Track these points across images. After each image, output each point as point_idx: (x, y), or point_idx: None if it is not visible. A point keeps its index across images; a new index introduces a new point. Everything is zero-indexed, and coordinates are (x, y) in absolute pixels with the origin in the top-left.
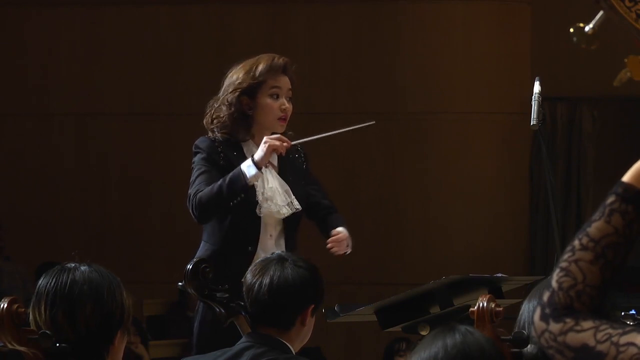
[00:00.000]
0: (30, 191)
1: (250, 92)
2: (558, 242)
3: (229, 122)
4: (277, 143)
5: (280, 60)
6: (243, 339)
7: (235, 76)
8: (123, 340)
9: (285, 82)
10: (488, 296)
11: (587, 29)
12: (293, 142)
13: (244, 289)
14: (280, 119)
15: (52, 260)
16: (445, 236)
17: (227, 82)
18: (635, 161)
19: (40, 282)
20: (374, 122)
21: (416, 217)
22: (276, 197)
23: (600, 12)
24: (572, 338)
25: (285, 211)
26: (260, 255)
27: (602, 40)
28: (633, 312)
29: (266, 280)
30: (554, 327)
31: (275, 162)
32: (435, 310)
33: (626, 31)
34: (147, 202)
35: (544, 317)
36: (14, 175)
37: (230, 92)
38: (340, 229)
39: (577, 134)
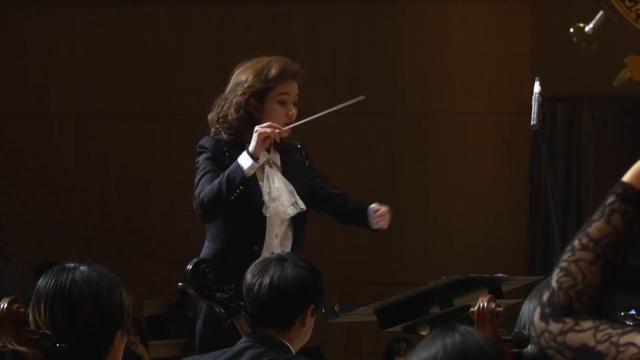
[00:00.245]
0: (30, 191)
1: (259, 95)
2: (558, 242)
3: (236, 124)
4: (268, 130)
5: (292, 67)
6: (243, 339)
7: (244, 77)
8: (123, 340)
9: (294, 88)
10: (488, 296)
11: (587, 29)
12: (285, 128)
13: (244, 289)
14: (285, 123)
15: (52, 260)
16: (445, 236)
17: (234, 80)
18: (635, 161)
19: (39, 282)
20: (363, 96)
21: (416, 217)
22: (282, 196)
23: (600, 12)
24: (572, 338)
25: (291, 211)
26: (265, 255)
27: (602, 40)
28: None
29: (266, 280)
30: (554, 327)
31: (279, 163)
32: (435, 310)
33: (626, 31)
34: (147, 202)
35: (543, 317)
36: (14, 175)
37: (240, 95)
38: (375, 204)
39: (577, 134)
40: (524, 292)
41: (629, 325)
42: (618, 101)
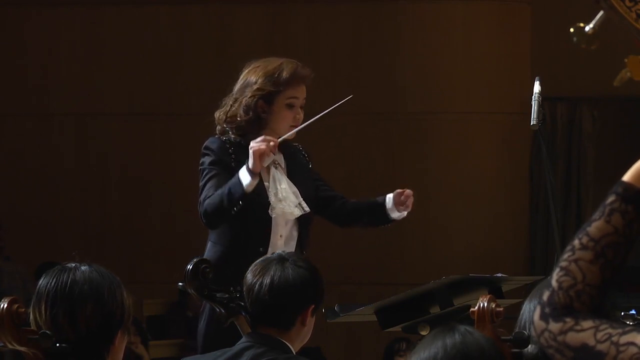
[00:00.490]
0: (30, 191)
1: (267, 97)
2: (558, 242)
3: (244, 124)
4: (263, 147)
5: (303, 71)
6: (243, 339)
7: (254, 78)
8: (123, 341)
9: (303, 92)
10: (488, 296)
11: (587, 29)
12: (279, 139)
13: (244, 289)
14: (292, 126)
15: (52, 260)
16: (445, 236)
17: (243, 80)
18: (635, 161)
19: (40, 282)
20: (352, 96)
21: (416, 217)
22: (289, 198)
23: (600, 12)
24: (572, 338)
25: (297, 212)
26: None
27: (602, 40)
28: (633, 312)
29: (267, 280)
30: (554, 326)
31: (283, 164)
32: (435, 310)
33: (626, 31)
34: (147, 202)
35: (543, 317)
36: (14, 175)
37: (250, 97)
38: (392, 194)
39: (577, 134)
40: (524, 292)
41: (629, 325)
42: (618, 101)
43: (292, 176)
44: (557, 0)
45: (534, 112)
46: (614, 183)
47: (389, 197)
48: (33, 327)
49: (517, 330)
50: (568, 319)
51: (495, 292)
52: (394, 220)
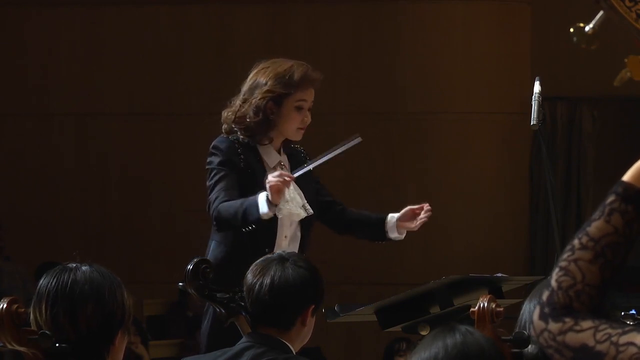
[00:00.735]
0: (30, 191)
1: (277, 99)
2: (558, 242)
3: (253, 126)
4: (280, 184)
5: (314, 74)
6: (243, 339)
7: (263, 79)
8: (124, 341)
9: (312, 95)
10: (488, 296)
11: (587, 29)
12: (295, 175)
13: (244, 289)
14: (299, 128)
15: (52, 260)
16: (445, 236)
17: (253, 81)
18: (635, 161)
19: (41, 282)
20: (360, 138)
21: None
22: (296, 199)
23: (600, 12)
24: (572, 338)
25: (303, 214)
26: None
27: (602, 40)
28: (633, 312)
29: (267, 280)
30: (553, 326)
31: (288, 166)
32: (435, 310)
33: (626, 31)
34: (147, 202)
35: (543, 317)
36: (14, 175)
37: (260, 99)
38: (394, 215)
39: (577, 134)
40: (524, 292)
41: (628, 325)
42: (618, 101)
43: (297, 180)
44: (557, 0)
45: (534, 112)
46: (614, 183)
47: (392, 216)
48: (33, 327)
49: (517, 330)
50: (567, 319)
51: (495, 292)
52: (390, 240)
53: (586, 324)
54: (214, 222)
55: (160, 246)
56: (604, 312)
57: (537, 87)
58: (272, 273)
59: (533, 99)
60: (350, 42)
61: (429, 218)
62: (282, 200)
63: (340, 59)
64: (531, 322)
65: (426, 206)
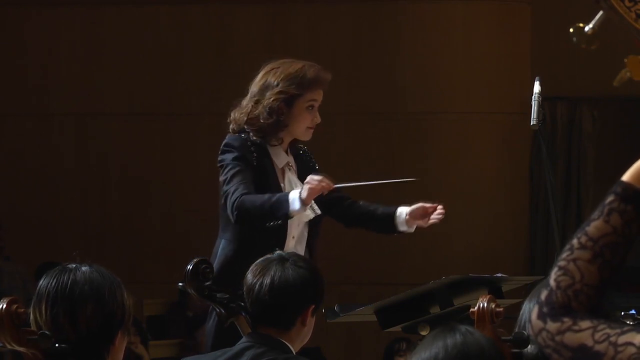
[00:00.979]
0: (30, 191)
1: (288, 100)
2: (558, 242)
3: (266, 127)
4: (320, 187)
5: (325, 75)
6: (243, 339)
7: (274, 80)
8: (124, 341)
9: (321, 95)
10: (488, 296)
11: (587, 29)
12: (336, 185)
13: (244, 289)
14: (309, 127)
15: (52, 260)
16: (445, 236)
17: (262, 82)
18: (635, 161)
19: (41, 282)
20: (416, 179)
21: None
22: None
23: (600, 12)
24: (570, 338)
25: (310, 214)
26: None
27: (602, 40)
28: (633, 312)
29: (267, 280)
30: (552, 326)
31: (295, 168)
32: (435, 310)
33: (626, 31)
34: (147, 202)
35: (541, 316)
36: (14, 175)
37: (273, 100)
38: (404, 209)
39: (577, 134)
40: (524, 292)
41: (627, 324)
42: (618, 101)
43: (301, 178)
44: (557, 0)
45: (534, 112)
46: (614, 183)
47: (401, 212)
48: (33, 327)
49: (517, 330)
50: (566, 319)
51: (495, 292)
52: (401, 232)
53: (585, 323)
54: (235, 212)
55: (160, 246)
56: (603, 312)
57: (537, 87)
58: (272, 273)
59: (533, 99)
60: (350, 42)
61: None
62: None
63: (340, 59)
64: (529, 321)
65: (440, 207)
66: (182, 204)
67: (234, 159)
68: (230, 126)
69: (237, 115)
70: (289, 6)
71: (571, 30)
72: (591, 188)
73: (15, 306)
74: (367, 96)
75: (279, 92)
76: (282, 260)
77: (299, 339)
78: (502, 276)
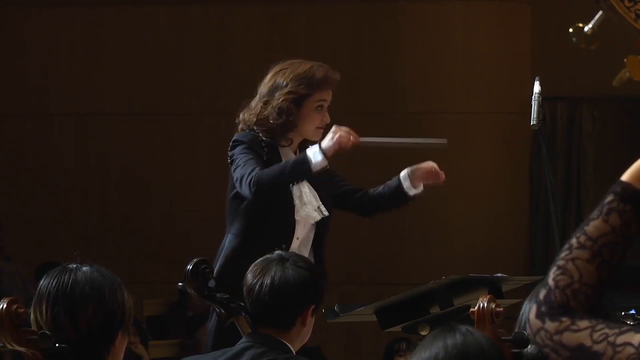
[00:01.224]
0: (30, 191)
1: (297, 100)
2: (558, 242)
3: (276, 128)
4: (346, 139)
5: (334, 75)
6: (243, 339)
7: (283, 81)
8: (124, 341)
9: (330, 95)
10: (488, 296)
11: (586, 29)
12: (361, 140)
13: (244, 289)
14: (318, 127)
15: (52, 260)
16: (445, 236)
17: (272, 83)
18: (635, 161)
19: (42, 282)
20: (445, 142)
21: (416, 217)
22: (313, 201)
23: (600, 12)
24: (568, 337)
25: (317, 216)
26: None
27: (602, 40)
28: (633, 311)
29: (267, 280)
30: (550, 325)
31: None
32: (435, 310)
33: (626, 31)
34: (147, 202)
35: (539, 315)
36: (14, 175)
37: (282, 100)
38: (404, 173)
39: (577, 134)
40: (524, 292)
41: (625, 324)
42: (618, 101)
43: (311, 179)
44: (557, 0)
45: (534, 112)
46: (614, 183)
47: (403, 175)
48: (34, 327)
49: (517, 330)
50: (564, 319)
51: (495, 292)
52: (414, 198)
53: (583, 323)
54: (254, 188)
55: (160, 246)
56: (602, 312)
57: (537, 87)
58: (272, 273)
59: (533, 99)
60: (350, 42)
61: (429, 218)
62: (300, 203)
63: (340, 59)
64: (528, 320)
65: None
66: (182, 204)
67: (243, 148)
68: (240, 126)
69: (247, 116)
70: (289, 6)
71: (571, 30)
72: (591, 188)
73: (15, 306)
74: (367, 96)
75: (288, 93)
76: (282, 260)
77: (299, 339)
78: (502, 276)
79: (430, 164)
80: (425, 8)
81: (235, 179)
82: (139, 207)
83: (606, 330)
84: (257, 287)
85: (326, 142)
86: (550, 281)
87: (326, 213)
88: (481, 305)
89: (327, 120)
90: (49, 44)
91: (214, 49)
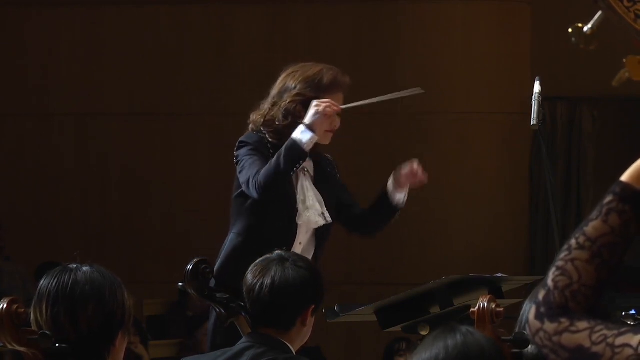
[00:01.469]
0: (30, 191)
1: (305, 103)
2: (558, 242)
3: (282, 129)
4: (329, 108)
5: (343, 79)
6: (243, 339)
7: (292, 83)
8: (124, 342)
9: (340, 100)
10: (489, 297)
11: (585, 29)
12: (342, 107)
13: (244, 289)
14: (327, 131)
15: (52, 260)
16: (445, 236)
17: (282, 85)
18: (635, 161)
19: (42, 282)
20: (421, 90)
21: (416, 217)
22: (316, 206)
23: (599, 13)
24: (568, 339)
25: (321, 221)
26: None
27: (601, 40)
28: (633, 312)
29: (267, 280)
30: (549, 326)
31: (312, 172)
32: (435, 310)
33: (625, 31)
34: (147, 202)
35: (539, 316)
36: (14, 175)
37: (289, 102)
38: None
39: (577, 134)
40: (524, 292)
41: (624, 326)
42: (618, 101)
43: (318, 184)
44: (557, 0)
45: (534, 112)
46: (613, 183)
47: (389, 184)
48: (34, 327)
49: (517, 330)
50: (563, 320)
51: (495, 292)
52: (399, 210)
53: (582, 324)
54: (259, 191)
55: (160, 246)
56: (601, 313)
57: (537, 87)
58: (273, 273)
59: (533, 99)
60: (350, 42)
61: (429, 218)
62: (302, 207)
63: (340, 59)
64: (527, 321)
65: (414, 168)
66: (182, 204)
67: (249, 149)
68: (250, 127)
69: (255, 117)
70: (289, 6)
71: (570, 30)
72: (591, 188)
73: (15, 306)
74: (367, 96)
75: (296, 95)
76: (282, 260)
77: (299, 339)
78: (502, 276)
79: (412, 165)
80: (425, 8)
81: (241, 182)
82: (139, 207)
83: (605, 332)
84: (257, 287)
85: (309, 117)
86: (550, 282)
87: (330, 219)
88: (481, 305)
89: (337, 125)
90: (49, 44)
91: (214, 49)
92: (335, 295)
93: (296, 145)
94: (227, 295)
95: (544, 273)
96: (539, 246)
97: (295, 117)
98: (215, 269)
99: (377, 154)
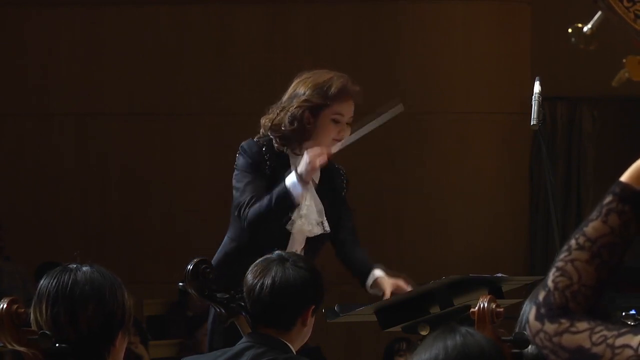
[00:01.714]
0: (30, 191)
1: (314, 109)
2: (558, 242)
3: (288, 134)
4: (319, 159)
5: (352, 87)
6: (243, 339)
7: (302, 89)
8: (124, 342)
9: (349, 109)
10: (489, 297)
11: (585, 29)
12: (333, 150)
13: (244, 289)
14: (334, 139)
15: (52, 260)
16: (445, 236)
17: (292, 91)
18: (634, 161)
19: (41, 282)
20: (401, 106)
21: (416, 217)
22: (311, 215)
23: (599, 13)
24: (568, 339)
25: (316, 230)
26: None
27: (601, 40)
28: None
29: (268, 281)
30: (549, 327)
31: (317, 180)
32: (435, 310)
33: (625, 31)
34: (147, 202)
35: (539, 317)
36: (14, 175)
37: (296, 107)
38: (377, 274)
39: (577, 134)
40: (524, 292)
41: (624, 326)
42: (618, 101)
43: (322, 194)
44: (557, 0)
45: (534, 112)
46: (613, 183)
47: (374, 275)
48: (34, 327)
49: (517, 330)
50: (563, 320)
51: (495, 292)
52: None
53: (582, 325)
54: (245, 224)
55: (160, 246)
56: (601, 313)
57: (537, 87)
58: (273, 274)
59: (533, 99)
60: (350, 42)
61: (429, 218)
62: (297, 215)
63: (340, 59)
64: (527, 321)
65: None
66: (182, 204)
67: (245, 165)
68: (261, 131)
69: (264, 121)
70: (289, 6)
71: (570, 30)
72: (591, 188)
73: (15, 306)
74: (367, 96)
75: (304, 101)
76: (282, 260)
77: (299, 339)
78: (502, 276)
79: (399, 285)
80: (425, 8)
81: (233, 203)
82: (139, 207)
83: (605, 332)
84: (257, 287)
85: (302, 166)
86: (550, 283)
87: (328, 229)
88: (481, 305)
89: (345, 134)
90: (49, 44)
91: (214, 49)
92: (335, 295)
93: (288, 196)
94: (227, 295)
95: (544, 273)
96: (539, 246)
97: (302, 123)
98: None
99: (377, 154)
